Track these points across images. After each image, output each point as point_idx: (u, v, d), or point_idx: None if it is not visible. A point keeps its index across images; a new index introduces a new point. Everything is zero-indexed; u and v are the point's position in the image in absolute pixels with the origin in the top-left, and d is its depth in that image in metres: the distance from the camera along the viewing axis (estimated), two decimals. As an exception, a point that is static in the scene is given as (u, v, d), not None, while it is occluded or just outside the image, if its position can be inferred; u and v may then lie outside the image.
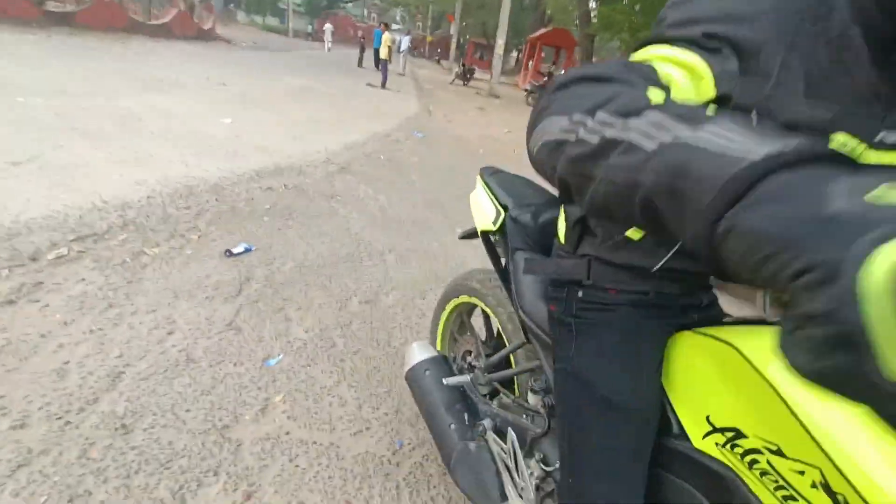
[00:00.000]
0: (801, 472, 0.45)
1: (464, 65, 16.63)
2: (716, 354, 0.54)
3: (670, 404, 0.61)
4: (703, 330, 0.58)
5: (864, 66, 0.42)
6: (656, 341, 0.63)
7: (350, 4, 50.12)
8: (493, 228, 0.99)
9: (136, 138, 3.77)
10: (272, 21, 41.65)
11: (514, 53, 30.07)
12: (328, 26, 24.54)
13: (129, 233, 2.29)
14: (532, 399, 0.99)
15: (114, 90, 5.44)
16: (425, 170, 4.51)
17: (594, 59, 13.86)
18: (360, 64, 15.79)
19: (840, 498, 0.41)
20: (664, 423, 0.62)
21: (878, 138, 0.43)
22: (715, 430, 0.54)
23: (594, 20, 12.87)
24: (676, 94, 0.43)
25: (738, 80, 0.44)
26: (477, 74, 16.62)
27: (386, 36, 11.41)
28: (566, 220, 0.70)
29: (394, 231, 2.92)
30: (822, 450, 0.41)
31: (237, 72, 9.35)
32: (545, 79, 14.37)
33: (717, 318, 0.68)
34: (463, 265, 2.59)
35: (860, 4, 0.41)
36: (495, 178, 1.08)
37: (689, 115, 0.35)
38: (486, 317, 1.27)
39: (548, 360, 0.86)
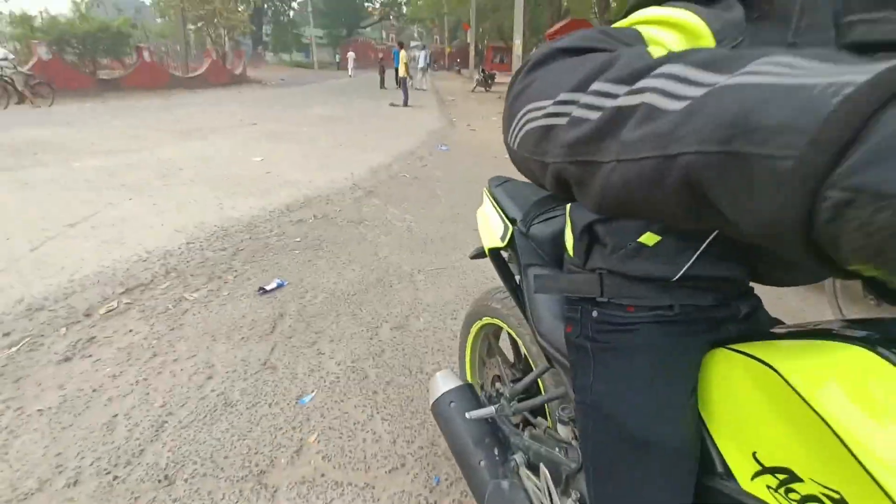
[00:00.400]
0: None
1: (483, 71, 16.64)
2: (756, 378, 0.46)
3: (711, 438, 0.52)
4: (740, 346, 0.49)
5: None
6: (688, 363, 0.54)
7: (368, 29, 51.72)
8: (502, 244, 0.92)
9: (175, 186, 4.01)
10: (298, 56, 43.69)
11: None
12: (351, 54, 25.55)
13: (171, 280, 2.41)
14: (562, 430, 0.90)
15: (156, 142, 5.85)
16: (449, 183, 4.48)
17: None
18: (381, 85, 16.20)
19: None
20: (706, 460, 0.52)
21: None
22: (764, 469, 0.45)
23: (613, 4, 12.51)
24: None
25: (747, 32, 0.36)
26: (498, 78, 16.55)
27: (403, 54, 11.62)
28: (572, 228, 0.62)
29: (421, 250, 2.91)
30: None
31: (266, 110, 9.83)
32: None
33: (762, 328, 0.58)
34: (492, 279, 2.51)
35: None
36: (503, 189, 1.00)
37: (721, 58, 0.26)
38: (512, 338, 1.18)
39: (571, 386, 0.77)
